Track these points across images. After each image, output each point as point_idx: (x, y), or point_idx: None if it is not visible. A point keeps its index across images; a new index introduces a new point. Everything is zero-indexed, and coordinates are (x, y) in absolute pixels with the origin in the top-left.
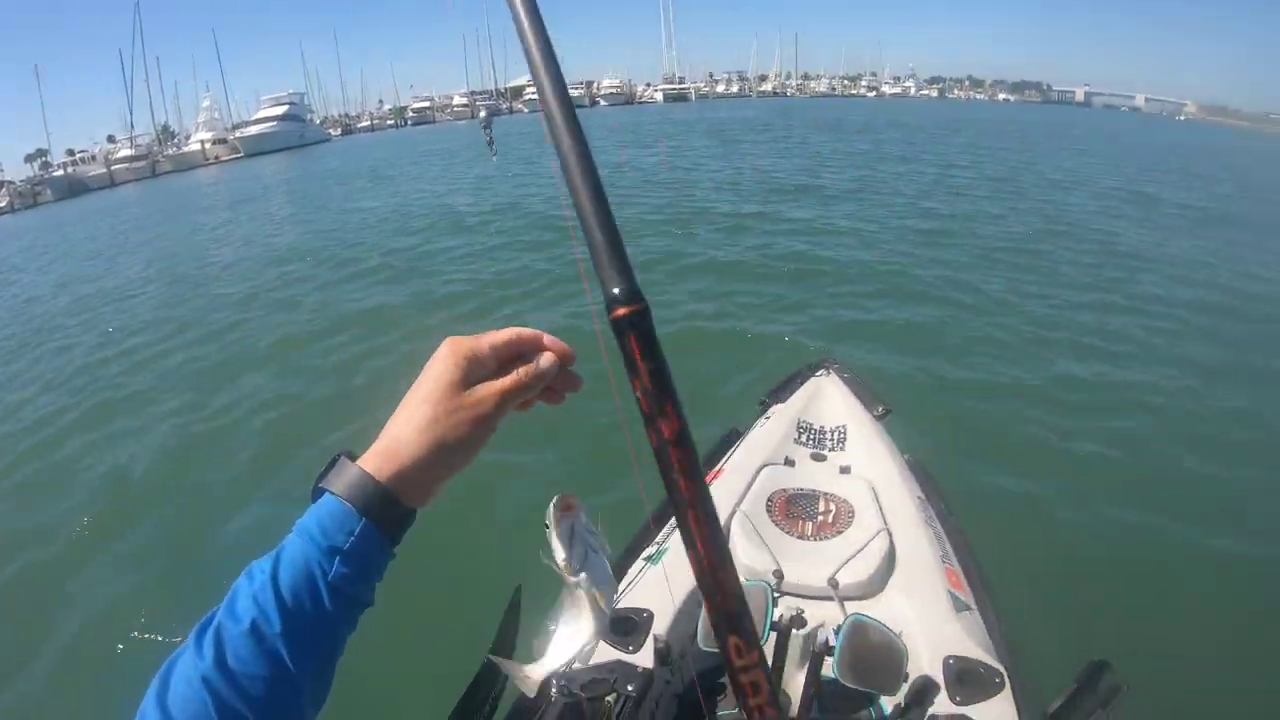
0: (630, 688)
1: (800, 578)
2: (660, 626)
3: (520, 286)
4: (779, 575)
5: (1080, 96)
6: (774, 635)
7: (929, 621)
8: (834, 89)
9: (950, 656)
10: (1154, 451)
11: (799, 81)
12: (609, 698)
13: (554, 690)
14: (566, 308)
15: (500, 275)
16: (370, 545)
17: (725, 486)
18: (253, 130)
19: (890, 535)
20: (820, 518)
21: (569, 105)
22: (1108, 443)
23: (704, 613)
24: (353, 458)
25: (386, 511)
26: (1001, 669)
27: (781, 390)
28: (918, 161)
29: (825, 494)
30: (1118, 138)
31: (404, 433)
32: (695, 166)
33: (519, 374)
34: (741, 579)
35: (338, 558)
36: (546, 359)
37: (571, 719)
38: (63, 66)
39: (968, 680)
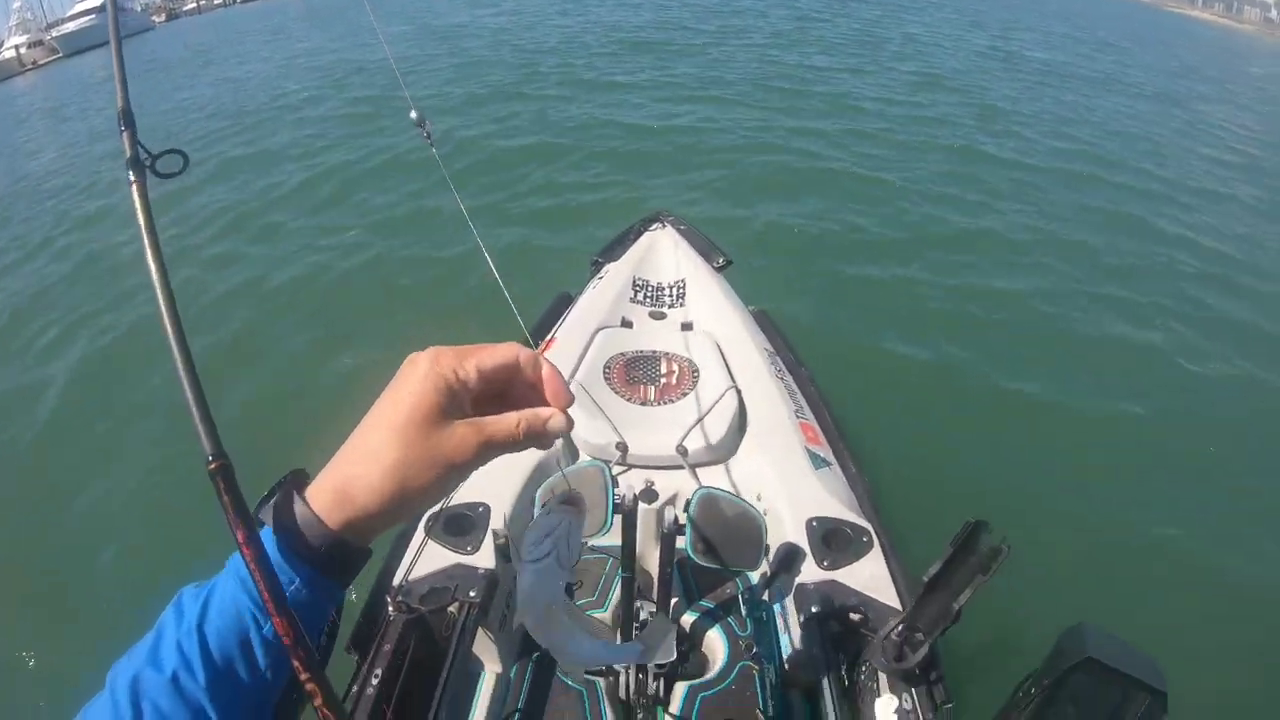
0: (473, 593)
1: (646, 447)
2: (498, 520)
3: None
4: (623, 448)
5: None
6: (619, 518)
7: (787, 482)
8: None
9: (813, 518)
10: (1010, 297)
11: None
12: (451, 608)
13: (390, 607)
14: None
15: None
16: (316, 594)
17: (558, 356)
18: (70, 27)
19: (739, 393)
20: (663, 380)
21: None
22: (963, 291)
23: (539, 500)
24: (301, 486)
25: (335, 558)
26: (868, 527)
27: (614, 247)
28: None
29: (667, 354)
30: None
31: (365, 472)
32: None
33: (517, 427)
34: (584, 459)
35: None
36: (556, 423)
37: (414, 635)
38: None
39: (834, 542)
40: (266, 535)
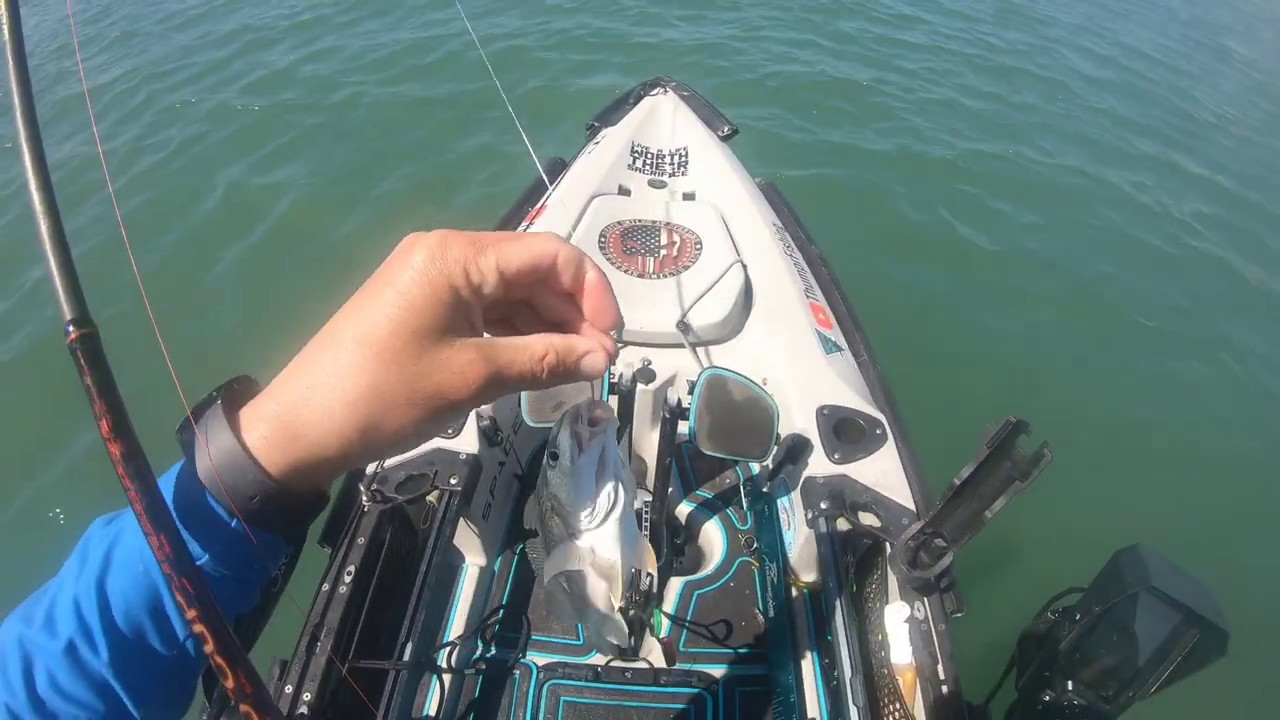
0: (454, 480)
1: (643, 323)
2: None
3: None
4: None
5: None
6: (615, 398)
7: (796, 366)
8: None
9: (824, 406)
10: (1061, 172)
11: None
12: (430, 496)
13: (364, 496)
14: None
15: None
16: (248, 552)
17: (548, 223)
18: None
19: (745, 268)
20: (663, 252)
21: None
22: (992, 152)
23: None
24: (236, 404)
25: (273, 510)
26: (881, 418)
27: (612, 111)
28: None
29: (667, 224)
30: None
31: (322, 400)
32: None
33: (541, 362)
34: None
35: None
36: (594, 362)
37: (390, 527)
38: None
39: (845, 434)
40: (184, 478)
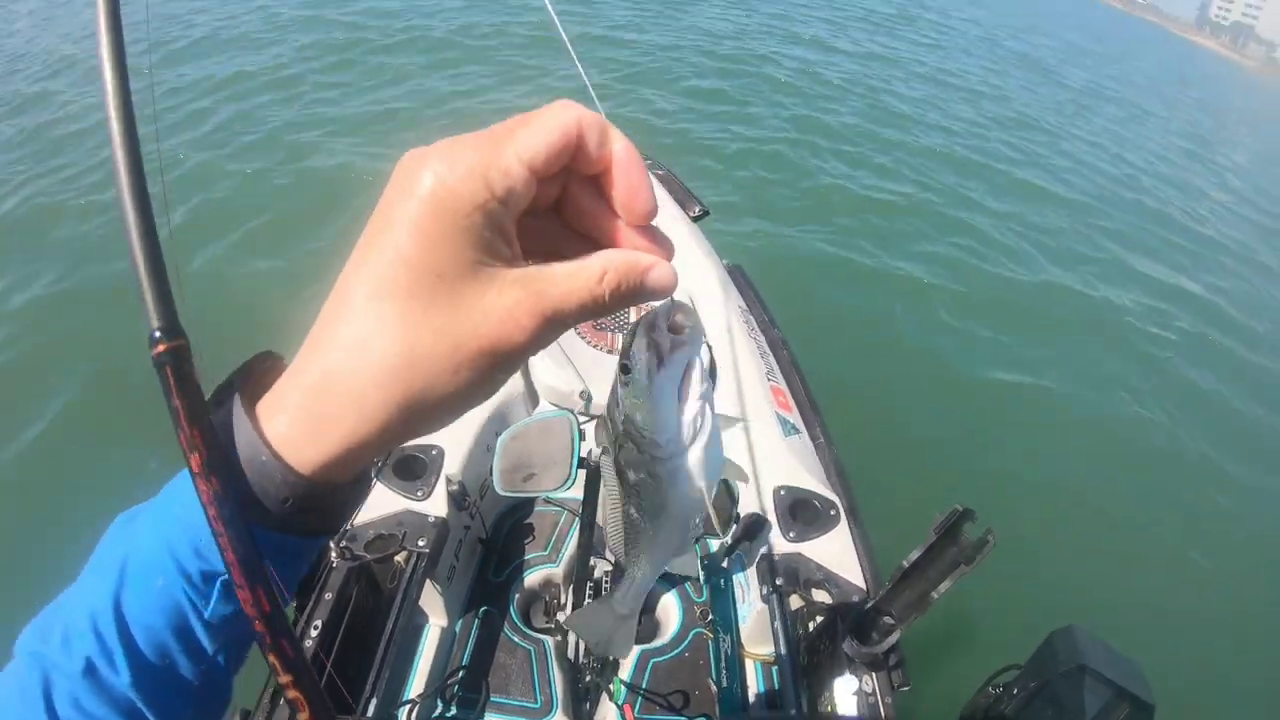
0: (421, 542)
1: None
2: (452, 465)
3: None
4: (586, 397)
5: None
6: (583, 472)
7: (757, 448)
8: None
9: (781, 487)
10: (1010, 285)
11: None
12: (398, 557)
13: (334, 554)
14: None
15: None
16: (286, 557)
17: None
18: None
19: (710, 349)
20: None
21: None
22: (949, 261)
23: (500, 449)
24: (255, 392)
25: (312, 508)
26: (836, 500)
27: None
28: None
29: None
30: None
31: (348, 382)
32: None
33: (602, 283)
34: (545, 406)
35: (219, 585)
36: (662, 274)
37: (357, 584)
38: None
39: (801, 514)
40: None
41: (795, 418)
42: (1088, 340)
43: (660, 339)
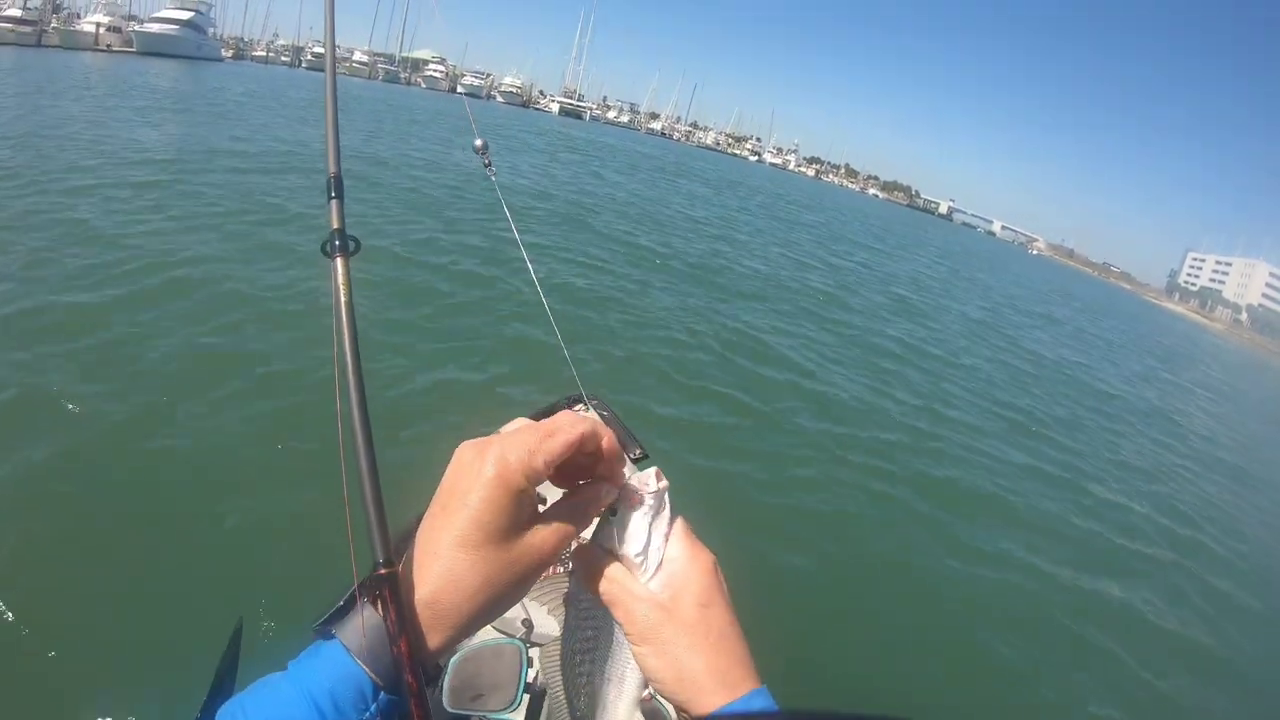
0: None
1: (553, 627)
2: None
3: None
4: (528, 625)
5: (944, 209)
6: (528, 698)
7: None
8: (718, 144)
9: None
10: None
11: (688, 129)
12: None
13: None
14: None
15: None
16: (390, 716)
17: None
18: (153, 28)
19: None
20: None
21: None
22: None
23: (451, 669)
24: (378, 597)
25: (430, 678)
26: None
27: (537, 418)
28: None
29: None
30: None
31: (448, 603)
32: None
33: (588, 509)
34: (489, 631)
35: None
36: (610, 493)
37: None
38: None
39: None
40: (339, 657)
41: None
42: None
43: (634, 494)
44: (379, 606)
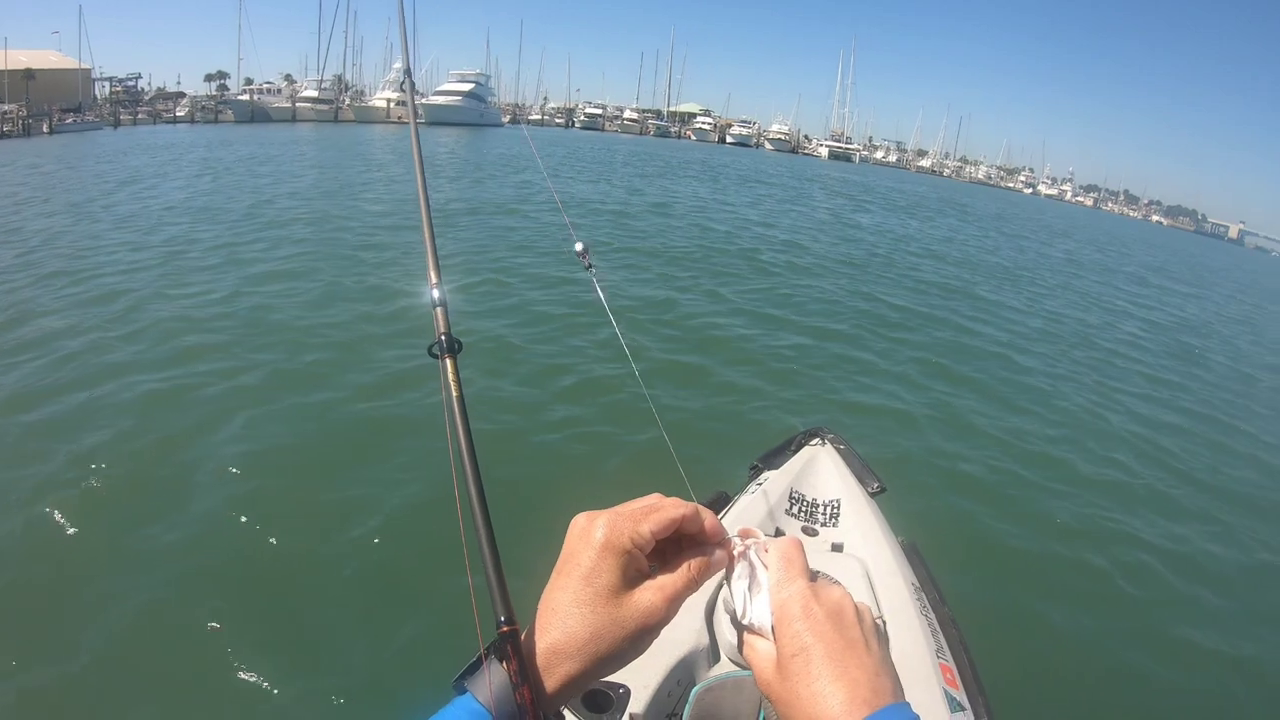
0: None
1: None
2: (638, 704)
3: None
4: None
5: (1234, 233)
6: None
7: None
8: (990, 178)
9: None
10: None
11: (957, 164)
12: None
13: None
14: None
15: None
16: None
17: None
18: (438, 100)
19: (884, 623)
20: None
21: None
22: (1109, 546)
23: (693, 699)
24: (504, 655)
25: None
26: None
27: (774, 455)
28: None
29: (816, 572)
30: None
31: (564, 653)
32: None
33: (692, 574)
34: (724, 663)
35: None
36: (721, 558)
37: None
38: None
39: None
40: (466, 702)
41: (962, 696)
42: None
43: (732, 562)
44: (504, 661)
